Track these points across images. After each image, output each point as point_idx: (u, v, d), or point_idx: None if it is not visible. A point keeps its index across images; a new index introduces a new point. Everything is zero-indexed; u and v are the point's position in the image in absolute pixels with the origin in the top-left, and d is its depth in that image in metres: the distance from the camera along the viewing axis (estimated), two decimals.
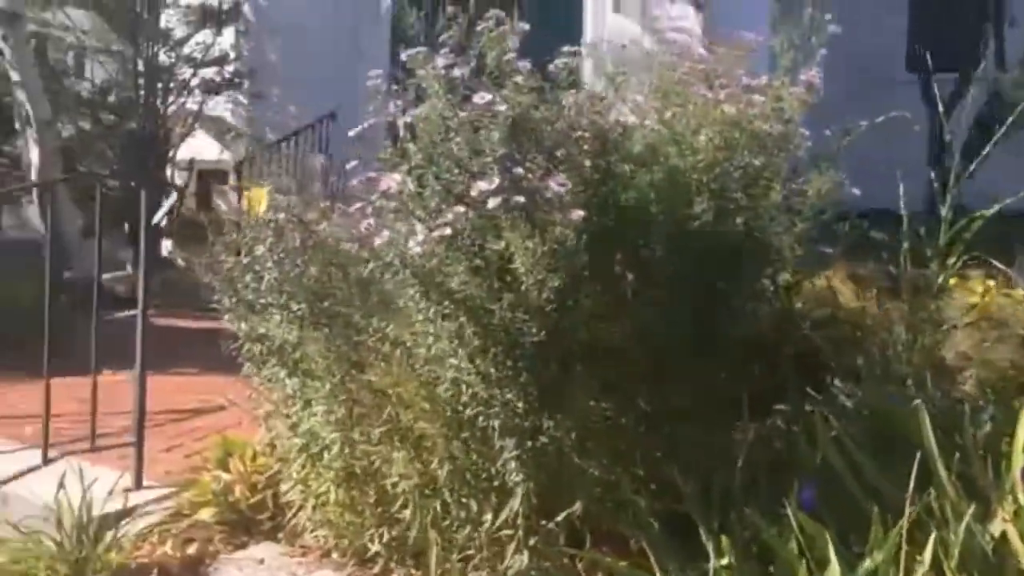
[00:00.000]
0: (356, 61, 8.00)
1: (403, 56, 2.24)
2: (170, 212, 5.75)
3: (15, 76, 6.09)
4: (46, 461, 3.35)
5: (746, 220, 2.29)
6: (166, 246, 7.13)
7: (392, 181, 2.10)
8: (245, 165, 6.95)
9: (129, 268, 6.47)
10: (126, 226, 6.62)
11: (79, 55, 8.42)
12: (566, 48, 2.33)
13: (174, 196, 6.11)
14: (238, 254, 2.78)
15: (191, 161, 7.63)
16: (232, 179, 7.38)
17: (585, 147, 2.25)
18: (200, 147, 7.89)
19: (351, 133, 2.30)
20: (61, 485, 2.91)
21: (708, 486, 2.35)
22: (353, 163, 2.30)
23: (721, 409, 2.45)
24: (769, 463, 2.38)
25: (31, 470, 3.30)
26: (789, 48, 2.45)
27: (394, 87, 2.27)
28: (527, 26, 2.28)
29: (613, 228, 2.21)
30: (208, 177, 7.84)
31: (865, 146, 2.78)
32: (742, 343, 2.42)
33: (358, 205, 2.31)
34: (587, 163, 2.24)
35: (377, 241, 2.11)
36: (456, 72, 2.15)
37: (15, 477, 3.27)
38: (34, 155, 6.14)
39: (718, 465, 2.38)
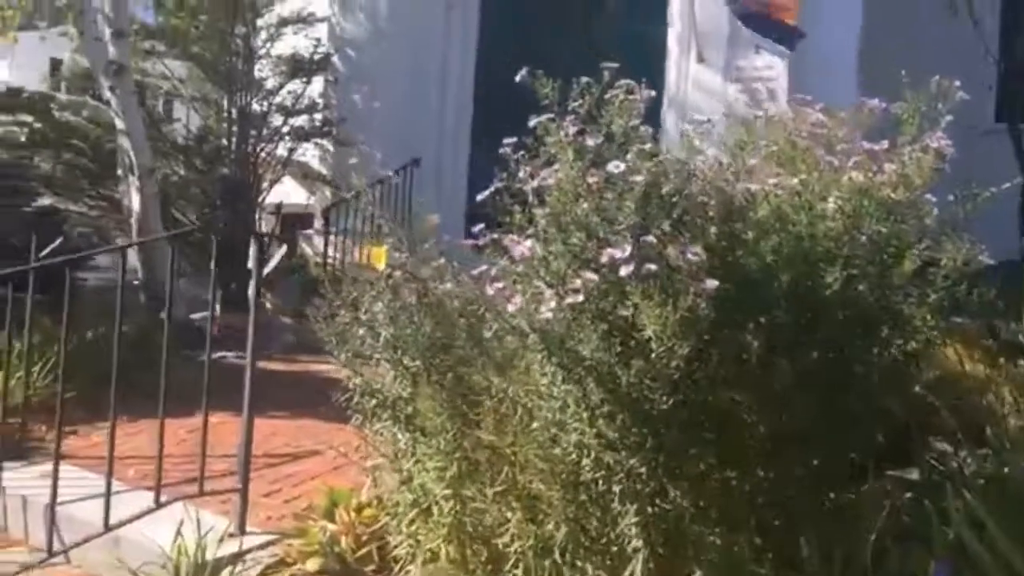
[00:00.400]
0: (440, 110, 8.19)
1: (531, 123, 2.29)
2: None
3: (120, 124, 6.33)
4: (158, 504, 3.42)
5: (874, 289, 2.27)
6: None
7: (524, 247, 2.13)
8: (333, 210, 7.11)
9: (218, 308, 6.63)
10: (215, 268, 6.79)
11: (168, 101, 8.75)
12: (698, 117, 2.36)
13: (284, 248, 6.26)
14: (354, 308, 2.84)
15: (278, 205, 7.83)
16: (318, 224, 7.56)
17: (710, 214, 2.27)
18: (287, 192, 8.11)
19: (479, 197, 2.36)
20: (179, 532, 2.98)
21: (829, 556, 2.31)
22: (480, 226, 2.35)
23: (843, 476, 2.41)
24: (895, 534, 2.33)
25: (144, 513, 3.37)
26: (914, 113, 2.44)
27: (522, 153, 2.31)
28: (653, 92, 2.32)
29: (738, 295, 2.21)
30: (293, 221, 8.03)
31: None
32: (866, 411, 2.39)
33: (483, 267, 2.36)
34: (712, 230, 2.25)
35: (511, 307, 2.14)
36: (590, 142, 2.19)
37: (132, 520, 3.34)
38: (135, 201, 6.36)
39: (839, 534, 2.34)
